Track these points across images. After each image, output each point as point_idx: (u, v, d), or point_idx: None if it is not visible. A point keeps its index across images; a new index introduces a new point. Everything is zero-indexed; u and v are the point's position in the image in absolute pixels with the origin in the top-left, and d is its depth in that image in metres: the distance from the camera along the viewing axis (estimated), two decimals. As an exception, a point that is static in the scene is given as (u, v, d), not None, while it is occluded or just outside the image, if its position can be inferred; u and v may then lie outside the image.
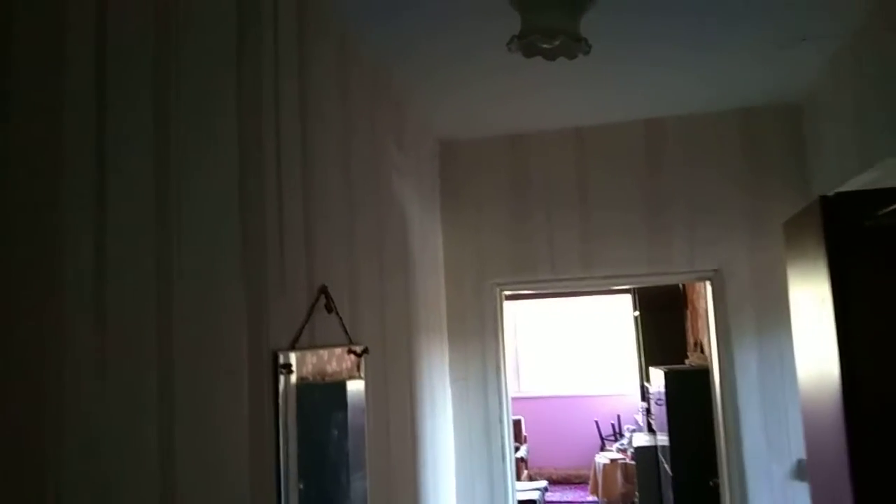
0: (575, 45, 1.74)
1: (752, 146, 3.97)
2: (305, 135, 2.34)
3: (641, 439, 6.93)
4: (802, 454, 3.66)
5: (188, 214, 1.61)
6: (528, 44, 1.74)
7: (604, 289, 7.79)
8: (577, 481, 9.62)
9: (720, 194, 3.96)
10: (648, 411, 7.18)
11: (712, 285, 3.93)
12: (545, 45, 1.72)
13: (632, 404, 9.17)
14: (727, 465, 3.89)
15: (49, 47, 1.23)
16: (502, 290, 4.22)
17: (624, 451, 8.06)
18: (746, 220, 3.92)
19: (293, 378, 2.07)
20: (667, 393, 5.43)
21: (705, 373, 4.58)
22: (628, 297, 8.50)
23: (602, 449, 8.97)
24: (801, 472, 3.67)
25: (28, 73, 1.18)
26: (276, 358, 1.99)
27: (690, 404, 5.16)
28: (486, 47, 3.02)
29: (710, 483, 4.65)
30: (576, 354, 10.45)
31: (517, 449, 7.87)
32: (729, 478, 3.87)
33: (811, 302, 2.72)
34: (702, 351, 6.36)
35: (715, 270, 3.94)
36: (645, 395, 7.50)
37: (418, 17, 2.76)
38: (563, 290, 4.22)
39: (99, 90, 1.34)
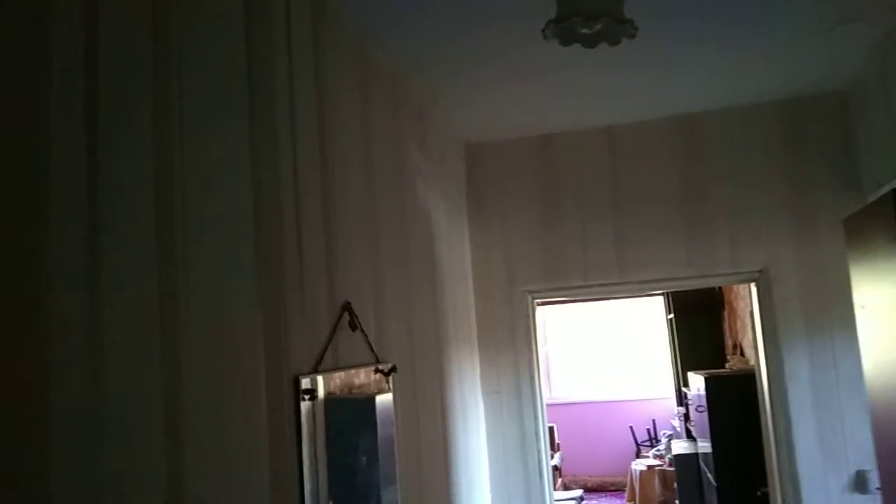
0: (619, 29, 1.57)
1: (796, 139, 3.75)
2: (323, 142, 2.19)
3: (680, 446, 6.69)
4: (863, 464, 3.43)
5: (194, 231, 1.46)
6: (565, 28, 1.57)
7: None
8: (612, 489, 9.37)
9: (762, 191, 3.75)
10: (687, 417, 6.94)
11: (757, 287, 3.72)
12: (585, 30, 1.55)
13: (667, 409, 8.92)
14: (778, 475, 3.67)
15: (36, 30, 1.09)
16: (534, 298, 4.04)
17: (661, 457, 7.82)
18: (792, 217, 3.70)
19: (317, 402, 1.91)
20: (708, 399, 5.21)
21: (749, 377, 4.36)
22: (660, 299, 8.26)
23: (638, 455, 8.73)
24: (860, 483, 3.44)
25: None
26: (297, 383, 1.84)
27: (734, 410, 4.95)
28: (511, 46, 2.86)
29: (758, 493, 4.44)
30: (607, 358, 10.21)
31: (551, 457, 7.67)
32: (781, 487, 3.65)
33: (884, 303, 2.51)
34: (742, 354, 6.12)
35: (760, 271, 3.72)
36: (682, 399, 7.25)
37: (438, 16, 2.60)
38: (597, 297, 3.99)
39: (90, 104, 1.20)
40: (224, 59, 1.68)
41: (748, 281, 3.81)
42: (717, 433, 5.14)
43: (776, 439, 3.66)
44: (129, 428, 1.22)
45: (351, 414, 2.27)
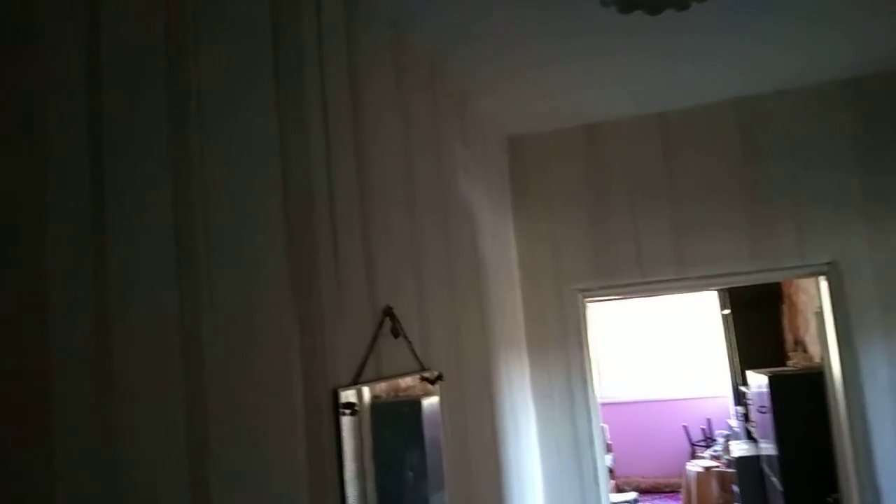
0: (688, -11, 1.37)
1: (867, 120, 3.48)
2: (359, 136, 2.04)
3: (740, 447, 6.39)
4: (951, 472, 3.15)
5: (217, 233, 1.32)
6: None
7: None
8: (667, 490, 9.07)
9: (831, 177, 3.48)
10: (746, 417, 6.63)
11: (828, 280, 3.45)
12: (649, -5, 1.35)
13: (722, 407, 8.59)
14: (856, 483, 3.41)
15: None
16: (585, 297, 3.83)
17: (718, 458, 7.51)
18: (864, 204, 3.43)
19: (360, 415, 1.76)
20: (772, 399, 4.94)
21: (817, 376, 4.10)
22: (713, 293, 7.93)
23: (693, 456, 8.42)
24: (949, 492, 3.16)
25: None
26: (336, 397, 1.69)
27: (800, 411, 4.68)
28: (553, 31, 2.68)
29: (829, 499, 4.17)
30: (657, 354, 9.89)
31: (603, 459, 7.42)
32: (860, 495, 3.38)
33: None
34: (804, 350, 5.81)
35: (829, 263, 3.46)
36: (740, 398, 6.94)
37: (477, 2, 2.43)
38: (652, 294, 3.77)
39: (93, 95, 1.07)
40: (248, 46, 1.54)
41: (817, 274, 3.54)
42: (782, 435, 4.87)
43: (853, 445, 3.39)
44: (147, 462, 1.08)
45: (395, 425, 2.12)
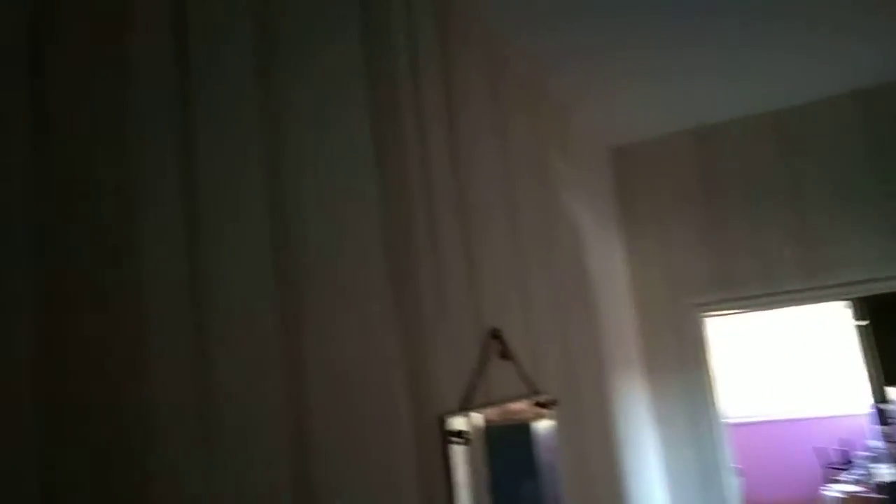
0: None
1: None
2: (456, 156, 1.97)
3: (888, 471, 5.82)
4: None
5: (314, 248, 1.27)
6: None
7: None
8: (800, 515, 8.42)
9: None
10: (890, 437, 6.06)
11: None
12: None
13: (857, 427, 7.92)
14: None
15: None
16: (703, 312, 3.59)
17: (861, 482, 6.90)
18: None
19: (469, 443, 1.67)
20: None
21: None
22: (844, 303, 7.35)
23: (828, 480, 7.77)
24: None
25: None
26: (443, 424, 1.60)
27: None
28: (654, 31, 2.53)
29: None
30: (784, 371, 9.26)
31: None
32: None
33: None
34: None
35: None
36: (883, 417, 6.36)
37: (573, 7, 2.33)
38: (778, 306, 3.49)
39: (184, 101, 1.04)
40: (339, 68, 1.50)
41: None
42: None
43: None
44: (250, 496, 1.02)
45: (508, 453, 2.01)
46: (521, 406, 2.06)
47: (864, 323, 6.78)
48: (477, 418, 1.75)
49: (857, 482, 6.97)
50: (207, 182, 1.06)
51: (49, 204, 0.82)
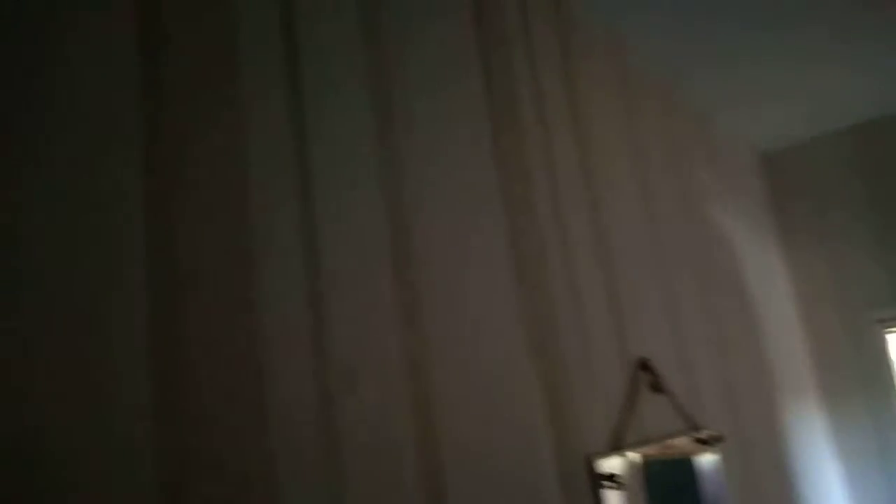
0: None
1: None
2: (589, 174, 1.84)
3: None
4: None
5: (440, 294, 1.19)
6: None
7: None
8: None
9: None
10: None
11: None
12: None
13: None
14: None
15: None
16: (889, 329, 3.18)
17: None
18: None
19: (622, 488, 1.51)
20: None
21: None
22: None
23: None
24: None
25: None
26: (591, 466, 1.46)
27: None
28: (801, 23, 2.29)
29: None
30: None
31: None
32: None
33: None
34: None
35: None
36: None
37: (706, 7, 2.16)
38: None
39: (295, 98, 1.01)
40: (456, 83, 1.43)
41: None
42: None
43: None
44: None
45: (668, 499, 1.81)
46: (680, 445, 1.86)
47: None
48: (629, 458, 1.59)
49: None
50: (327, 229, 1.02)
51: (164, 275, 0.80)
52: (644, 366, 1.77)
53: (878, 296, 3.17)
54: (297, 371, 0.91)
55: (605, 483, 1.47)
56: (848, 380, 3.21)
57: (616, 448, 1.56)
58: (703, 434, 1.93)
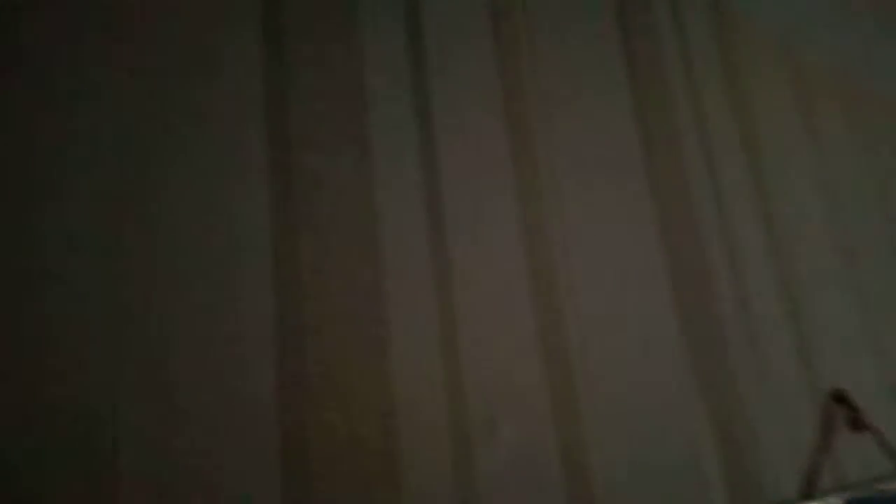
0: None
1: None
2: (759, 178, 1.64)
3: None
4: None
5: (591, 334, 1.08)
6: None
7: None
8: None
9: None
10: None
11: None
12: None
13: None
14: None
15: None
16: None
17: None
18: None
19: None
20: None
21: None
22: None
23: None
24: None
25: None
26: (779, 518, 1.25)
27: None
28: None
29: None
30: None
31: None
32: None
33: None
34: None
35: None
36: None
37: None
38: None
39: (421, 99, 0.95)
40: (605, 94, 1.32)
41: None
42: None
43: None
44: None
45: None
46: (889, 488, 1.57)
47: None
48: (827, 508, 1.35)
49: None
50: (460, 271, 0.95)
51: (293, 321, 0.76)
52: (839, 397, 1.51)
53: None
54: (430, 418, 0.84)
55: (797, 537, 1.25)
56: None
57: (807, 496, 1.33)
58: (922, 479, 1.62)
